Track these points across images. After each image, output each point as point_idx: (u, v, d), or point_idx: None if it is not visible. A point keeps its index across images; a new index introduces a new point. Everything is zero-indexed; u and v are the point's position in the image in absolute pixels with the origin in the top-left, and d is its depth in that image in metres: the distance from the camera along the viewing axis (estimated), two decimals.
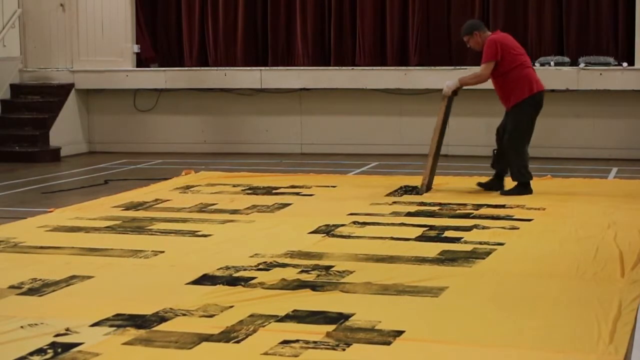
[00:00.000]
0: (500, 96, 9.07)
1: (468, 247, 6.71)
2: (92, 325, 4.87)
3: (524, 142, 8.98)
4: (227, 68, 13.35)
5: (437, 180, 9.81)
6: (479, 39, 9.01)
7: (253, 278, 5.84)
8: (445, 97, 9.21)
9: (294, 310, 5.09)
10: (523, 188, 8.97)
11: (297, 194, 9.32)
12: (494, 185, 9.18)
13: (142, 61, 13.72)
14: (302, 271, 6.01)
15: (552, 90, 11.40)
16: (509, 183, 9.13)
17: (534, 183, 9.21)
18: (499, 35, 9.07)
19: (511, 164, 8.99)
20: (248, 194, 9.35)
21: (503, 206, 8.37)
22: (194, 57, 13.75)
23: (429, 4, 12.95)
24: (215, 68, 13.41)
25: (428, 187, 9.22)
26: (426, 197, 8.94)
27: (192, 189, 9.67)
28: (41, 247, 6.92)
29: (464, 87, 9.26)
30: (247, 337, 4.66)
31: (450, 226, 7.51)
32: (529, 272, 6.02)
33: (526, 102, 8.90)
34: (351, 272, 5.96)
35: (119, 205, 8.71)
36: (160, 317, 4.99)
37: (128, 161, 12.56)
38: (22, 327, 4.85)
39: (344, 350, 4.47)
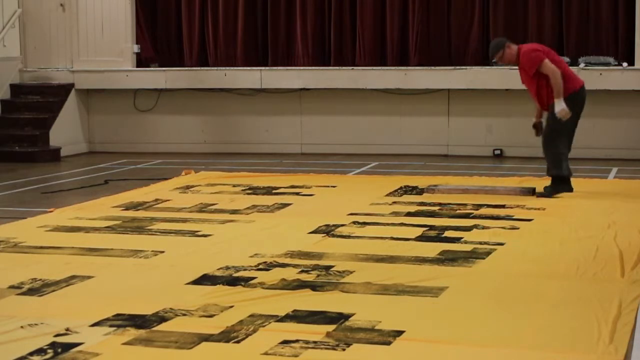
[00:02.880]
0: (538, 99, 8.77)
1: (468, 247, 6.71)
2: (92, 325, 4.87)
3: (560, 136, 8.69)
4: (227, 68, 13.34)
5: (437, 180, 9.86)
6: (510, 50, 8.72)
7: (253, 278, 5.84)
8: (566, 116, 8.64)
9: (294, 310, 5.09)
10: (557, 184, 8.78)
11: (297, 194, 9.32)
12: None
13: (142, 61, 13.72)
14: (302, 271, 6.01)
15: None
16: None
17: (536, 183, 9.20)
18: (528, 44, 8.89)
19: (546, 157, 8.82)
20: (248, 194, 9.35)
21: (503, 206, 8.37)
22: (194, 57, 13.75)
23: (429, 4, 12.94)
24: (215, 68, 13.40)
25: (432, 191, 9.17)
26: (426, 197, 8.94)
27: (192, 189, 9.67)
28: (41, 247, 6.92)
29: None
30: (247, 337, 4.66)
31: (450, 226, 7.51)
32: (529, 272, 6.01)
33: (569, 98, 8.63)
34: (351, 272, 5.96)
35: (119, 205, 8.71)
36: (160, 317, 4.99)
37: (128, 161, 12.55)
38: (22, 327, 4.85)
39: (344, 350, 4.47)
